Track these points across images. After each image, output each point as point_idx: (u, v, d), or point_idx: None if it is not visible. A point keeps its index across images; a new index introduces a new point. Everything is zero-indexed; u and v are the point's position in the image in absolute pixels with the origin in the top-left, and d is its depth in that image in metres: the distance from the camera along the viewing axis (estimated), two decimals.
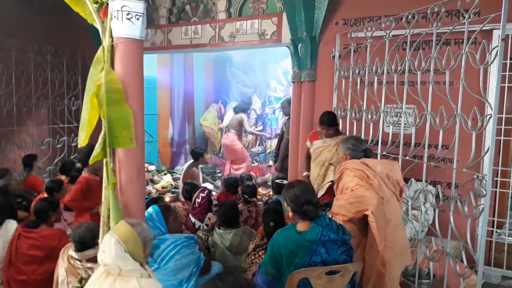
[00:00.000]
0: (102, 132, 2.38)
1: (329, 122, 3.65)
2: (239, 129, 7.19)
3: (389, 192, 2.55)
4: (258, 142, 8.61)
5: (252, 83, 8.95)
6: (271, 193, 5.49)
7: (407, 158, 3.12)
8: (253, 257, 2.86)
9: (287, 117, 5.42)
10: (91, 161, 2.38)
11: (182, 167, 7.65)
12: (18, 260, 2.88)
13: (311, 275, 1.96)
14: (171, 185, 6.27)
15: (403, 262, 2.48)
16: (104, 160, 2.41)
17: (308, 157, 3.99)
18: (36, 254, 2.86)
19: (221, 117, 8.62)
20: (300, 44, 4.42)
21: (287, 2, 4.38)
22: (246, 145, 8.46)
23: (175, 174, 7.02)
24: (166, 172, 7.13)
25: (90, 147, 3.11)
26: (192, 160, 5.76)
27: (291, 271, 2.00)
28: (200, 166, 6.04)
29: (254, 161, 8.00)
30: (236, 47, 5.11)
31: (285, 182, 4.33)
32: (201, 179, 5.87)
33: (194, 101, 8.78)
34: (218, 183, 6.61)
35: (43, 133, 5.99)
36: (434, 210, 3.40)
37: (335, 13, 4.29)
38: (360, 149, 2.77)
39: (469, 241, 2.51)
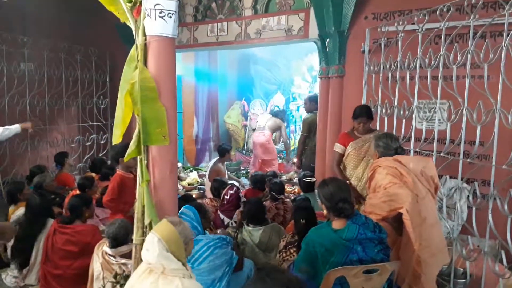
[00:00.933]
0: (137, 130, 2.41)
1: (368, 114, 3.43)
2: (274, 132, 7.21)
3: (424, 189, 2.48)
4: (281, 139, 8.57)
5: (276, 80, 8.91)
6: (296, 190, 5.47)
7: (441, 155, 3.03)
8: (284, 255, 2.84)
9: (308, 113, 5.37)
10: (126, 158, 2.41)
11: (207, 164, 7.73)
12: (54, 255, 2.96)
13: (348, 273, 1.94)
14: (197, 181, 6.32)
15: (440, 261, 2.41)
16: (139, 157, 2.44)
17: (340, 164, 3.67)
18: (71, 249, 2.94)
19: (244, 114, 8.62)
20: (328, 39, 4.37)
21: None
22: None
23: (200, 171, 7.08)
24: (192, 169, 7.19)
25: (123, 144, 3.18)
26: (217, 157, 5.78)
27: (327, 269, 1.97)
28: (225, 163, 6.05)
29: (279, 158, 7.98)
30: (263, 43, 5.09)
31: (313, 179, 4.29)
32: (226, 176, 5.89)
33: (218, 98, 8.82)
34: (243, 180, 6.62)
35: (73, 131, 6.15)
36: (469, 208, 3.34)
37: (364, 7, 4.21)
38: (391, 148, 2.69)
39: (509, 240, 2.42)
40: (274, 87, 8.86)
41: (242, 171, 7.44)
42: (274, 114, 7.15)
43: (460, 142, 2.90)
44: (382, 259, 2.05)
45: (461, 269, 3.05)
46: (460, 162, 2.84)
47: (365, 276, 1.96)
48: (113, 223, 2.63)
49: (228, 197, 3.78)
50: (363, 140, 3.47)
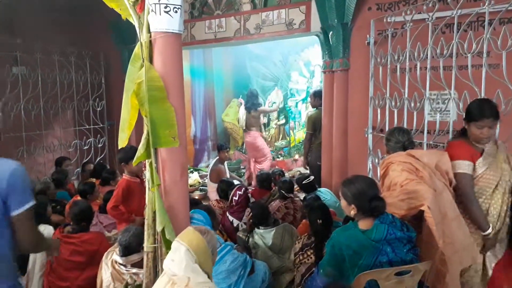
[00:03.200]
0: (145, 132, 2.28)
1: (497, 113, 2.31)
2: (258, 125, 6.99)
3: (440, 184, 2.37)
4: (281, 136, 8.47)
5: (272, 76, 8.79)
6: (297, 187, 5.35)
7: None
8: (301, 257, 2.73)
9: (313, 109, 5.23)
10: (134, 162, 2.28)
11: (207, 164, 7.61)
12: (60, 266, 2.83)
13: (379, 276, 1.83)
14: (199, 182, 6.20)
15: (464, 259, 2.30)
16: (148, 161, 2.31)
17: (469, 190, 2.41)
18: (78, 260, 2.81)
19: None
20: (331, 32, 4.25)
21: None
22: (269, 139, 8.34)
23: (201, 171, 6.95)
24: (192, 170, 7.06)
25: (130, 147, 3.06)
26: (217, 157, 5.66)
27: (355, 272, 1.87)
28: (225, 162, 5.93)
29: (279, 156, 7.88)
30: (263, 39, 4.97)
31: (311, 178, 4.16)
32: (228, 175, 5.77)
33: (214, 97, 8.68)
34: (243, 178, 6.51)
35: (69, 135, 5.99)
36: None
37: None
38: (398, 140, 2.57)
39: None
40: (271, 84, 8.74)
41: (243, 170, 7.32)
42: (247, 108, 6.69)
43: None
44: (412, 259, 1.95)
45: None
46: None
47: (397, 278, 1.86)
48: (128, 230, 2.50)
49: (236, 198, 3.66)
50: (491, 154, 2.39)
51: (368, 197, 1.92)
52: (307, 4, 4.47)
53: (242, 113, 7.24)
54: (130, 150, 3.00)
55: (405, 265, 1.92)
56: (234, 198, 3.67)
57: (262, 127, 7.93)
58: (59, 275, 2.85)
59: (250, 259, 2.59)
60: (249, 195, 3.84)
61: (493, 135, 2.37)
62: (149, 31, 2.33)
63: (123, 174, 3.31)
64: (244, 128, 6.74)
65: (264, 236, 3.16)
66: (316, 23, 4.41)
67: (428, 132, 3.30)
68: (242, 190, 3.71)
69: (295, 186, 4.24)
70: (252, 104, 6.50)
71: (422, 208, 2.23)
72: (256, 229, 3.23)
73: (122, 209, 3.18)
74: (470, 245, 2.37)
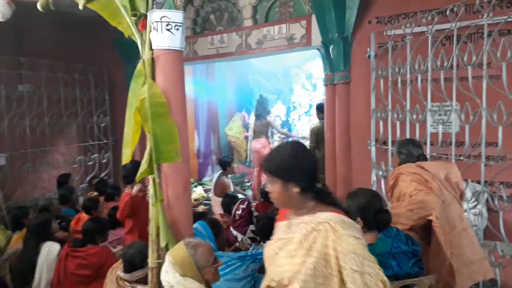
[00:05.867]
0: (148, 148, 2.31)
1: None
2: (267, 133, 7.04)
3: (449, 195, 2.38)
4: (277, 134, 8.46)
5: (275, 89, 8.84)
6: None
7: (461, 158, 2.94)
8: None
9: (318, 122, 5.26)
10: (138, 178, 2.31)
11: (211, 178, 7.60)
12: (66, 280, 2.85)
13: None
14: (203, 197, 6.19)
15: (474, 273, 2.28)
16: (151, 176, 2.33)
17: None
18: (84, 273, 2.84)
19: (245, 126, 8.53)
20: (331, 46, 4.29)
21: (316, 4, 4.26)
22: None
23: (205, 185, 6.95)
24: (196, 184, 7.06)
25: (134, 163, 3.08)
26: (220, 171, 5.67)
27: None
28: (229, 176, 5.93)
29: None
30: (264, 53, 5.02)
31: None
32: (232, 189, 5.76)
33: (217, 111, 8.73)
34: (248, 192, 6.49)
35: (74, 151, 6.03)
36: (490, 212, 3.24)
37: (368, 11, 4.15)
38: (413, 155, 2.57)
39: None
40: (274, 97, 8.78)
41: (247, 183, 7.32)
42: (257, 115, 6.81)
43: (475, 144, 2.81)
44: (417, 273, 1.94)
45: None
46: (482, 165, 2.74)
47: None
48: (131, 246, 2.50)
49: (240, 212, 3.66)
50: None
51: (373, 210, 1.92)
52: (308, 19, 4.52)
53: (252, 121, 7.23)
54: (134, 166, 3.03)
55: (410, 278, 1.90)
56: (237, 212, 3.67)
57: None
58: None
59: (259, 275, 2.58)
60: (253, 209, 3.83)
61: None
62: (151, 49, 2.37)
63: (126, 188, 3.33)
64: (253, 135, 6.77)
65: None
66: (316, 37, 4.46)
67: (431, 144, 3.30)
68: (245, 204, 3.71)
69: None
70: (262, 110, 6.56)
71: (430, 218, 2.24)
72: (262, 243, 3.21)
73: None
74: (481, 260, 2.36)
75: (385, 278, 1.32)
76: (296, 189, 1.42)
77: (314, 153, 4.93)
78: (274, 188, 1.46)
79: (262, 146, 6.56)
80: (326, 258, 1.31)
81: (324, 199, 1.47)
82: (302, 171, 1.44)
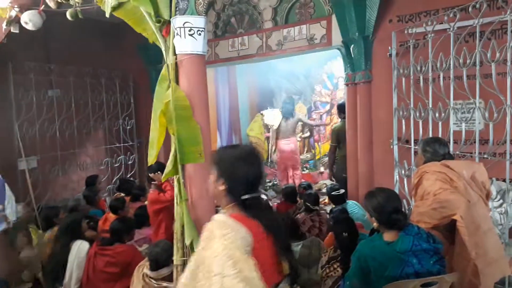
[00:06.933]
0: (173, 150, 2.38)
1: None
2: (295, 132, 7.08)
3: (475, 195, 2.35)
4: (306, 149, 8.48)
5: (296, 90, 8.84)
6: (325, 200, 5.34)
7: (485, 156, 2.90)
8: (327, 270, 2.74)
9: (339, 121, 5.26)
10: (163, 178, 2.39)
11: None
12: (96, 278, 2.96)
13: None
14: None
15: (497, 271, 2.25)
16: (176, 176, 2.41)
17: None
18: (113, 271, 2.94)
19: (266, 127, 8.58)
20: (352, 45, 4.30)
21: (336, 4, 4.28)
22: None
23: None
24: None
25: (158, 164, 3.18)
26: None
27: (381, 284, 1.87)
28: None
29: (305, 169, 7.87)
30: (285, 54, 5.07)
31: (342, 191, 4.16)
32: None
33: (239, 112, 8.83)
34: (270, 192, 6.53)
35: (101, 153, 6.23)
36: None
37: (388, 10, 4.14)
38: (439, 154, 2.54)
39: None
40: (296, 97, 8.78)
41: (268, 184, 7.36)
42: (284, 115, 6.76)
43: (499, 142, 2.77)
44: (439, 271, 1.93)
45: None
46: (507, 163, 2.70)
47: None
48: (157, 245, 2.60)
49: None
50: None
51: (387, 211, 1.93)
52: (328, 19, 4.54)
53: (277, 121, 7.19)
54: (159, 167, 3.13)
55: (431, 276, 1.90)
56: None
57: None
58: (93, 286, 2.97)
59: None
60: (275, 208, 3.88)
61: None
62: (174, 53, 2.45)
63: (150, 189, 3.43)
64: (278, 135, 6.81)
65: None
66: (337, 37, 4.46)
67: (455, 142, 3.26)
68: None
69: (324, 198, 4.23)
70: (287, 110, 6.59)
71: (454, 217, 2.21)
72: None
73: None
74: (501, 259, 2.33)
75: (252, 275, 1.27)
76: (222, 187, 1.44)
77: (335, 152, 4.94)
78: (210, 178, 1.50)
79: (294, 145, 6.64)
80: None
81: (246, 210, 1.42)
82: (237, 174, 1.44)
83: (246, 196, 1.43)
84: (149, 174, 3.56)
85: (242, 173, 1.44)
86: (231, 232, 1.31)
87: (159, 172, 3.26)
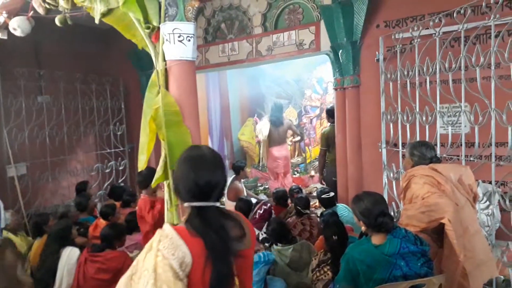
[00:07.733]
0: (163, 155, 2.39)
1: None
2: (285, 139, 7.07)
3: (462, 198, 2.40)
4: (296, 152, 8.53)
5: (286, 94, 8.91)
6: (316, 204, 5.37)
7: (471, 159, 2.95)
8: (318, 274, 2.76)
9: (329, 125, 5.31)
10: (153, 184, 2.40)
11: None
12: (86, 284, 2.95)
13: None
14: None
15: (485, 273, 2.30)
16: (166, 182, 2.42)
17: None
18: (103, 277, 2.93)
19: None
20: (340, 51, 4.35)
21: (324, 10, 4.33)
22: None
23: None
24: None
25: (149, 169, 3.18)
26: (234, 175, 5.74)
27: (370, 286, 1.90)
28: (242, 180, 6.00)
29: (296, 172, 7.91)
30: (274, 60, 5.11)
31: (331, 194, 4.20)
32: (245, 193, 5.82)
33: (230, 116, 8.85)
34: (261, 196, 6.54)
35: (91, 159, 6.20)
36: (502, 212, 3.23)
37: (375, 16, 4.21)
38: (426, 157, 2.58)
39: None
40: (286, 102, 8.85)
41: (260, 188, 7.38)
42: (274, 122, 6.59)
43: (485, 145, 2.82)
44: (427, 273, 1.97)
45: (502, 276, 2.93)
46: (493, 165, 2.75)
47: None
48: None
49: (261, 212, 3.77)
50: None
51: (374, 214, 1.97)
52: (316, 25, 4.59)
53: (266, 128, 7.00)
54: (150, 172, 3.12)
55: (419, 278, 1.94)
56: (258, 211, 3.76)
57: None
58: None
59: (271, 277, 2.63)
60: (273, 211, 3.92)
61: None
62: (164, 59, 2.47)
63: (141, 194, 3.44)
64: (269, 143, 6.75)
65: (281, 253, 3.19)
66: (325, 43, 4.52)
67: (442, 145, 3.32)
68: (268, 206, 3.79)
69: (315, 201, 4.27)
70: (276, 117, 6.59)
71: (442, 221, 2.25)
72: (274, 246, 3.27)
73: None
74: (490, 260, 2.37)
75: None
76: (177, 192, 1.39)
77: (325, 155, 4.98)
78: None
79: (287, 152, 6.68)
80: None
81: (194, 221, 1.32)
82: (182, 176, 1.36)
83: (195, 204, 1.32)
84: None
85: (188, 176, 1.33)
86: (168, 249, 1.23)
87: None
